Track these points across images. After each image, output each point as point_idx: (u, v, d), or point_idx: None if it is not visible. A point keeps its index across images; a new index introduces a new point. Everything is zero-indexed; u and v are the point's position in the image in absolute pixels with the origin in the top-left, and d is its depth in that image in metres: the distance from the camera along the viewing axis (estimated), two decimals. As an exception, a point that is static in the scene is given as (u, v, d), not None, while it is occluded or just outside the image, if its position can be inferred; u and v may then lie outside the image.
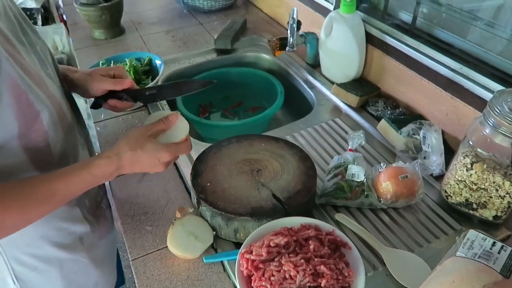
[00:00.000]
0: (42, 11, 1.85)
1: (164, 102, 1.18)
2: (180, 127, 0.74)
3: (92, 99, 0.84)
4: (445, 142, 0.93)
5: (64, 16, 1.89)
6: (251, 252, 0.65)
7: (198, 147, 0.97)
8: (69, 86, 0.81)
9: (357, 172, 0.81)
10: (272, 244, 0.64)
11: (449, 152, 0.89)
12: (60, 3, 1.91)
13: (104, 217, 0.87)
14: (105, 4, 1.43)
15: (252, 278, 0.62)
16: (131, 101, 0.83)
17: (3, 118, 0.58)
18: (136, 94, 0.82)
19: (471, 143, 0.73)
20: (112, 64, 1.16)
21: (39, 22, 1.83)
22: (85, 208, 0.78)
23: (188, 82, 0.86)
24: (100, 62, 1.16)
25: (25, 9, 1.74)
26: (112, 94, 0.81)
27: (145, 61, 1.18)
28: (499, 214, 0.74)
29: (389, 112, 1.04)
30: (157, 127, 0.71)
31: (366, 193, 0.79)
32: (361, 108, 1.09)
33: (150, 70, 1.19)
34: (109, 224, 0.89)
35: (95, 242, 0.82)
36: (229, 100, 1.40)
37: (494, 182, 0.71)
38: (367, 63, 1.15)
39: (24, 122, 0.61)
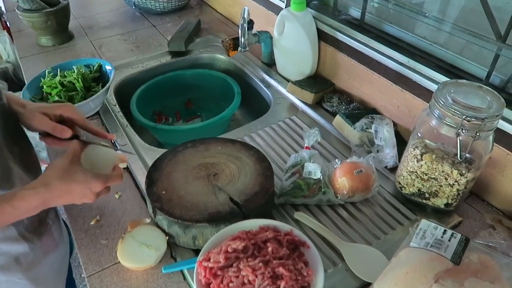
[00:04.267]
0: (-18, 18, 1.75)
1: (117, 108, 1.14)
2: (110, 157, 0.71)
3: None
4: (398, 134, 0.95)
5: (7, 23, 1.79)
6: (209, 260, 0.63)
7: (154, 154, 0.95)
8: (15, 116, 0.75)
9: (314, 170, 0.81)
10: (229, 249, 0.63)
11: (403, 143, 0.91)
12: (3, 9, 1.81)
13: (49, 232, 0.81)
14: (50, 9, 1.36)
15: (211, 286, 0.61)
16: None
17: None
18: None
19: (419, 134, 0.75)
20: (59, 72, 1.11)
21: (-20, 30, 1.73)
22: (23, 227, 0.73)
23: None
24: (46, 71, 1.10)
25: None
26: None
27: (95, 68, 1.14)
28: (450, 201, 0.76)
29: (343, 107, 1.05)
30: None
31: (323, 190, 0.80)
32: (317, 105, 1.10)
33: (101, 77, 1.14)
34: (56, 239, 0.84)
35: (38, 260, 0.77)
36: (190, 102, 1.38)
37: (443, 171, 0.73)
38: (321, 59, 1.16)
39: None
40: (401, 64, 0.93)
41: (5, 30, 1.71)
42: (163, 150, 0.95)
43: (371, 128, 0.91)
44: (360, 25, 1.06)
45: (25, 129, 0.78)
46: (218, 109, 1.29)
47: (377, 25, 1.04)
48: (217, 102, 1.33)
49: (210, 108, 1.36)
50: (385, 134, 0.88)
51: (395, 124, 0.96)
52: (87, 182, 0.62)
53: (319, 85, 1.12)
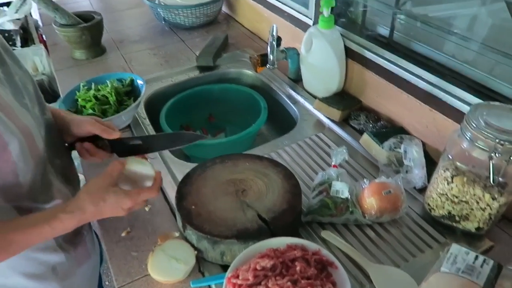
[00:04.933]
0: (21, 32, 1.83)
1: (147, 122, 1.18)
2: (145, 175, 0.74)
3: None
4: (426, 154, 0.94)
5: (44, 37, 1.87)
6: (238, 277, 0.64)
7: (182, 167, 0.97)
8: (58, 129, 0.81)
9: (341, 189, 0.81)
10: (258, 267, 0.64)
11: (431, 163, 0.90)
12: (40, 23, 1.89)
13: (84, 243, 0.84)
14: (85, 24, 1.42)
15: (240, 303, 0.62)
16: (107, 150, 0.81)
17: None
18: (117, 143, 0.80)
19: (450, 156, 0.74)
20: (93, 86, 1.15)
21: (18, 43, 1.81)
22: (61, 237, 0.76)
23: (177, 134, 0.86)
24: (81, 85, 1.15)
25: (3, 31, 1.72)
26: (89, 139, 0.80)
27: (127, 82, 1.18)
28: (481, 225, 0.75)
29: (371, 125, 1.05)
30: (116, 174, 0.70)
31: (351, 209, 0.80)
32: (344, 122, 1.11)
33: (132, 91, 1.18)
34: (89, 249, 0.87)
35: (72, 270, 0.80)
36: (215, 116, 1.41)
37: (474, 195, 0.72)
38: (348, 77, 1.17)
39: None
40: (430, 83, 0.93)
41: (41, 44, 1.79)
42: (191, 164, 0.98)
43: (399, 148, 0.91)
44: (388, 43, 1.07)
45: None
46: (244, 123, 1.31)
47: (405, 43, 1.04)
48: (244, 117, 1.35)
49: (235, 122, 1.38)
50: (414, 155, 0.87)
51: (423, 144, 0.96)
52: (117, 202, 0.67)
53: (346, 102, 1.12)
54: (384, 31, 1.09)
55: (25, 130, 0.66)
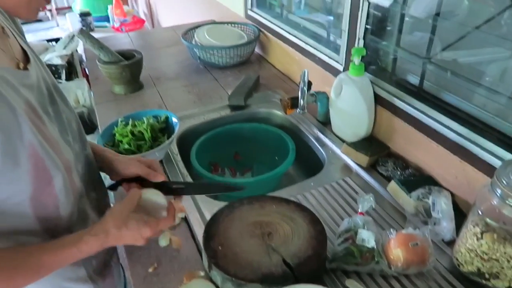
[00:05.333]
0: (66, 65, 1.96)
1: (178, 158, 1.22)
2: (159, 205, 0.78)
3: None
4: (456, 205, 0.93)
5: (87, 71, 1.99)
6: (261, 323, 0.65)
7: (210, 205, 1.00)
8: (100, 163, 0.86)
9: (367, 238, 0.81)
10: (282, 315, 0.64)
11: (461, 215, 0.89)
12: (84, 58, 2.02)
13: (111, 275, 0.88)
14: (126, 62, 1.51)
15: None
16: None
17: (19, 182, 0.63)
18: (161, 185, 0.84)
19: (480, 212, 0.74)
20: (130, 121, 1.21)
21: (63, 77, 1.93)
22: (91, 268, 0.80)
23: (216, 184, 0.95)
24: (119, 120, 1.21)
25: (50, 65, 1.84)
26: (134, 180, 0.85)
27: (162, 119, 1.24)
28: (512, 285, 0.73)
29: (399, 172, 1.05)
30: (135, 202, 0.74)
31: (376, 259, 0.79)
32: (371, 168, 1.11)
33: (166, 128, 1.23)
34: (115, 281, 0.90)
35: None
36: (241, 155, 1.44)
37: (505, 253, 0.71)
38: (377, 122, 1.18)
39: (37, 186, 0.65)
40: (459, 134, 0.93)
41: (84, 78, 1.90)
42: (218, 202, 1.00)
43: (427, 198, 0.90)
44: (418, 92, 1.08)
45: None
46: (272, 162, 1.34)
47: (435, 92, 1.05)
48: (271, 156, 1.38)
49: (263, 161, 1.41)
50: (442, 206, 0.87)
51: (452, 195, 0.95)
52: (138, 229, 0.70)
53: (374, 148, 1.13)
54: (414, 79, 1.11)
55: (67, 165, 0.71)
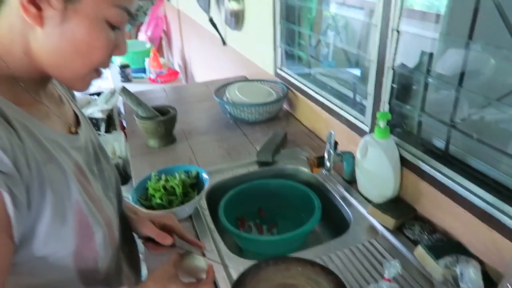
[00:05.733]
0: (106, 118, 2.09)
1: (207, 213, 1.26)
2: (199, 268, 0.81)
3: None
4: (486, 274, 0.91)
5: (124, 123, 2.12)
6: None
7: (237, 263, 1.02)
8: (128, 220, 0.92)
9: (394, 307, 0.80)
10: None
11: (492, 284, 0.87)
12: (122, 111, 2.16)
13: None
14: (162, 118, 1.60)
15: None
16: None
17: (65, 238, 0.67)
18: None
19: (509, 286, 0.73)
20: (163, 176, 1.27)
21: (102, 129, 2.06)
22: None
23: None
24: (153, 174, 1.28)
25: (92, 118, 1.97)
26: None
27: (193, 174, 1.29)
28: None
29: (426, 237, 1.05)
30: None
31: (403, 330, 0.78)
32: (397, 230, 1.11)
33: (197, 183, 1.29)
34: None
35: None
36: (267, 210, 1.46)
37: (538, 332, 0.69)
38: (403, 184, 1.19)
39: (80, 242, 0.69)
40: (486, 202, 0.93)
41: (121, 130, 2.03)
42: (244, 260, 1.02)
43: (455, 266, 0.89)
44: (443, 156, 1.09)
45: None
46: (297, 219, 1.35)
47: (461, 157, 1.06)
48: (297, 213, 1.39)
49: (289, 217, 1.43)
50: (471, 276, 0.85)
51: (482, 263, 0.93)
52: None
53: (401, 211, 1.13)
54: (439, 143, 1.13)
55: (108, 221, 0.76)
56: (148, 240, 0.88)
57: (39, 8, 0.59)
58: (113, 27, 0.65)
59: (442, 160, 1.08)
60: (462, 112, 1.09)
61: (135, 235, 0.93)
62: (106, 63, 0.69)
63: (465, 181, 0.99)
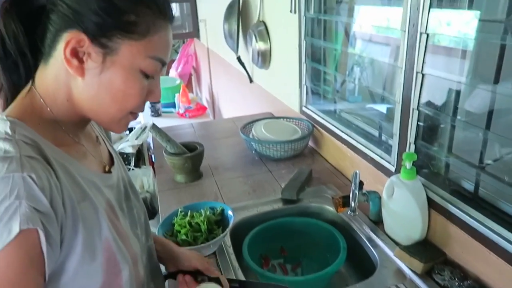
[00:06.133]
0: (135, 153, 2.16)
1: (231, 250, 1.26)
2: None
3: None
4: (522, 326, 0.87)
5: (153, 158, 2.18)
6: None
7: (260, 304, 1.01)
8: (162, 253, 0.95)
9: None
10: None
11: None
12: (151, 146, 2.23)
13: None
14: (189, 154, 1.65)
15: None
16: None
17: (93, 274, 0.68)
18: (217, 280, 0.90)
19: None
20: (189, 212, 1.29)
21: (132, 163, 2.13)
22: None
23: (269, 285, 0.99)
24: (179, 210, 1.30)
25: (122, 153, 2.05)
26: (190, 272, 0.92)
27: (218, 211, 1.31)
28: None
29: (456, 283, 1.01)
30: None
31: None
32: (426, 275, 1.07)
33: (222, 220, 1.30)
34: None
35: None
36: (291, 249, 1.45)
37: None
38: (431, 227, 1.17)
39: (107, 278, 0.70)
40: (521, 249, 0.89)
41: (150, 165, 2.09)
42: (268, 301, 1.01)
43: (488, 317, 0.85)
44: (473, 199, 1.07)
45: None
46: (322, 259, 1.33)
47: (491, 201, 1.04)
48: (322, 253, 1.37)
49: (313, 257, 1.41)
50: (505, 328, 0.81)
51: (517, 314, 0.89)
52: None
53: (429, 254, 1.10)
54: (468, 185, 1.11)
55: (134, 258, 0.78)
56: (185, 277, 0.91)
57: (81, 61, 0.65)
58: (147, 75, 0.70)
59: (471, 203, 1.05)
60: (493, 153, 1.07)
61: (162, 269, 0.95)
62: (140, 108, 0.74)
63: (496, 225, 0.96)
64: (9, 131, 0.62)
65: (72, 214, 0.64)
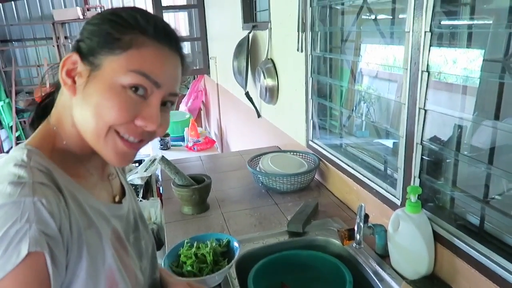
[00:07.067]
0: (144, 185, 2.19)
1: (236, 283, 1.25)
2: None
3: None
4: None
5: (161, 190, 2.21)
6: None
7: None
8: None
9: None
10: None
11: None
12: (160, 178, 2.26)
13: None
14: (197, 186, 1.67)
15: None
16: None
17: None
18: None
19: None
20: (195, 243, 1.30)
21: (140, 195, 2.15)
22: None
23: None
24: (185, 242, 1.31)
25: (131, 185, 2.08)
26: None
27: (224, 243, 1.31)
28: None
29: (464, 320, 0.99)
30: None
31: None
32: (433, 311, 1.06)
33: (227, 252, 1.30)
34: None
35: None
36: (297, 282, 1.43)
37: None
38: (438, 261, 1.16)
39: None
40: (528, 284, 0.89)
41: (158, 197, 2.11)
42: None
43: None
44: (479, 233, 1.07)
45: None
46: None
47: (498, 235, 1.03)
48: (328, 286, 1.36)
49: (320, 291, 1.39)
50: None
51: None
52: None
53: (436, 289, 1.09)
54: (474, 219, 1.11)
55: None
56: None
57: (73, 81, 0.70)
58: (136, 91, 0.68)
59: (477, 238, 1.05)
60: (498, 187, 1.08)
61: None
62: (123, 125, 0.69)
63: (502, 259, 0.95)
64: (25, 158, 0.66)
65: (78, 239, 0.66)
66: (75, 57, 0.69)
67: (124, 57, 0.67)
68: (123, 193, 0.87)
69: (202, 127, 5.69)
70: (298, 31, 1.97)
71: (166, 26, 0.73)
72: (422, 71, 1.16)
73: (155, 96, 0.70)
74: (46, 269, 0.59)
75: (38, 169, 0.65)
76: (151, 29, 0.70)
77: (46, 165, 0.68)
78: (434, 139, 1.20)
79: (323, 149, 1.92)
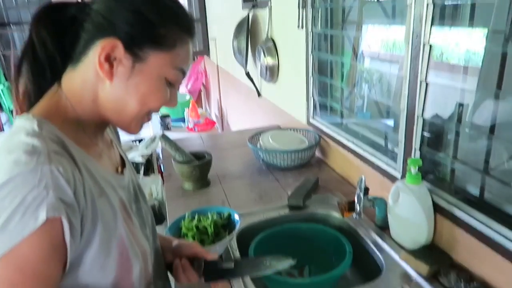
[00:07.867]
0: (145, 162, 2.20)
1: (237, 254, 1.27)
2: None
3: None
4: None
5: (162, 167, 2.22)
6: None
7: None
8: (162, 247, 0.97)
9: None
10: None
11: None
12: (160, 155, 2.26)
13: None
14: (198, 163, 1.67)
15: None
16: (198, 272, 0.92)
17: (107, 268, 0.71)
18: (211, 264, 0.92)
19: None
20: (196, 216, 1.31)
21: (141, 172, 2.16)
22: None
23: (267, 259, 0.96)
24: (186, 215, 1.32)
25: (132, 163, 2.08)
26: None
27: (225, 216, 1.32)
28: None
29: (463, 286, 1.00)
30: None
31: None
32: (432, 278, 1.07)
33: (228, 224, 1.31)
34: None
35: None
36: (298, 254, 1.45)
37: None
38: (437, 231, 1.17)
39: (119, 273, 0.73)
40: (527, 250, 0.90)
41: (159, 174, 2.12)
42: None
43: (494, 317, 0.85)
44: (479, 203, 1.07)
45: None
46: (328, 263, 1.33)
47: (497, 204, 1.04)
48: (328, 258, 1.37)
49: (319, 262, 1.40)
50: (511, 327, 0.81)
51: (524, 316, 0.88)
52: None
53: (435, 257, 1.10)
54: (474, 190, 1.11)
55: (144, 255, 0.81)
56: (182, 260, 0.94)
57: (111, 66, 0.71)
58: (170, 84, 0.76)
59: (477, 207, 1.06)
60: (498, 158, 1.08)
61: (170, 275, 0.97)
62: (158, 110, 0.80)
63: (502, 228, 0.96)
64: (36, 128, 0.66)
65: (92, 207, 0.67)
66: (117, 43, 0.69)
67: (170, 55, 0.73)
68: (123, 164, 0.88)
69: (202, 108, 5.67)
70: (298, 7, 1.94)
71: (192, 18, 0.77)
72: (424, 44, 1.15)
73: (179, 83, 0.79)
74: (62, 236, 0.60)
75: (50, 138, 0.66)
76: (190, 26, 0.76)
77: (57, 134, 0.68)
78: (436, 118, 1.20)
79: (324, 125, 1.91)
